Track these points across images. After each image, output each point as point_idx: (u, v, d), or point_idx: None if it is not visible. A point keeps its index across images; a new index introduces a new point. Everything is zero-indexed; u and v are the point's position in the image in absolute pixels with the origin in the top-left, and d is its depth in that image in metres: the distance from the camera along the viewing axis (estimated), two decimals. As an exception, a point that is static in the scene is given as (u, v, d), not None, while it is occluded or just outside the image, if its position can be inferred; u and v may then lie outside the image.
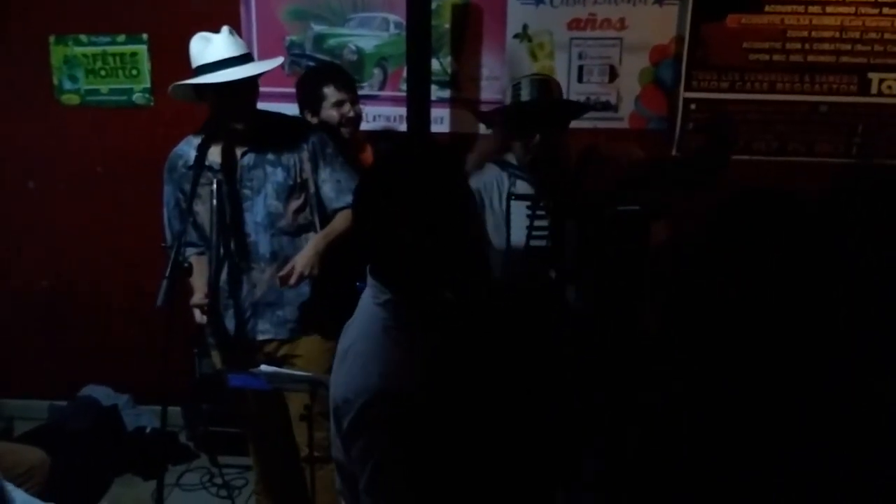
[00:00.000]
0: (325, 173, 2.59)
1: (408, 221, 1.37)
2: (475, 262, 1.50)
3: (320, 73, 3.03)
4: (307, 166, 2.59)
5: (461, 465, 1.41)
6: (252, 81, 2.47)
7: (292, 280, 2.45)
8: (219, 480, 3.32)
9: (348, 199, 2.47)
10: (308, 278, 2.48)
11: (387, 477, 1.39)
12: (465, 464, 1.41)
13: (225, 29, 2.45)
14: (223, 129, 2.50)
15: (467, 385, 1.43)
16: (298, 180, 2.58)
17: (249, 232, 2.56)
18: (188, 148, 2.59)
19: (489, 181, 2.57)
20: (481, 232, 1.47)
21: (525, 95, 2.46)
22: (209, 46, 2.43)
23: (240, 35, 3.31)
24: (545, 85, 2.50)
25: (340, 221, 2.56)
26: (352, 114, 2.86)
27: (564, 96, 3.15)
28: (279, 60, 2.67)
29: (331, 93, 2.85)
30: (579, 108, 2.73)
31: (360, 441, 1.40)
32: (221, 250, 2.54)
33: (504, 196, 2.53)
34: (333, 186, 2.58)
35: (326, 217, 2.61)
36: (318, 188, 2.60)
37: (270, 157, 2.55)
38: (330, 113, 2.85)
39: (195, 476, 3.48)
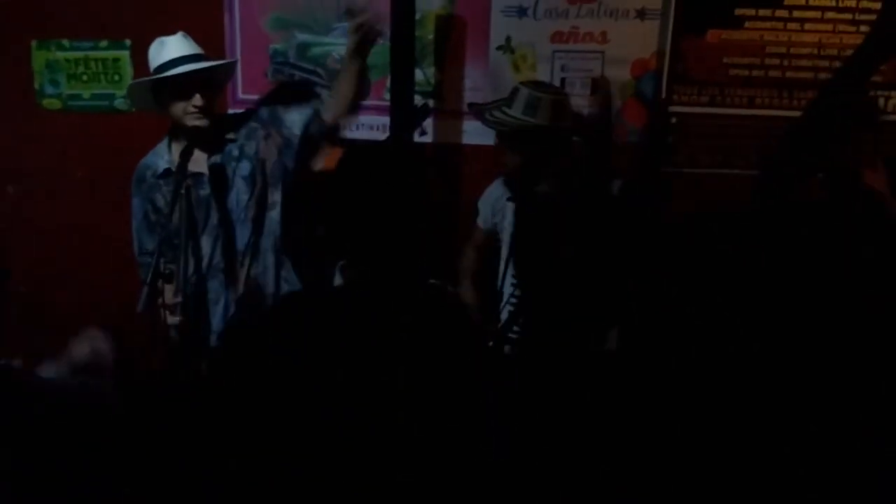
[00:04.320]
0: (280, 112, 2.65)
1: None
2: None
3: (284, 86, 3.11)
4: (262, 144, 2.61)
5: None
6: (204, 79, 2.46)
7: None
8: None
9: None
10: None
11: None
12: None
13: (179, 33, 2.49)
14: (186, 132, 2.50)
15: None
16: (258, 163, 2.61)
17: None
18: (155, 158, 2.60)
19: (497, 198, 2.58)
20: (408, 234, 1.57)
21: (516, 110, 2.40)
22: (162, 49, 2.45)
23: (223, 42, 3.36)
24: (533, 105, 2.42)
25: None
26: None
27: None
28: (228, 61, 2.70)
29: None
30: (560, 132, 2.66)
31: None
32: (201, 254, 2.57)
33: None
34: (292, 109, 2.64)
35: (287, 187, 2.63)
36: (285, 137, 2.62)
37: (234, 153, 2.57)
38: None
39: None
